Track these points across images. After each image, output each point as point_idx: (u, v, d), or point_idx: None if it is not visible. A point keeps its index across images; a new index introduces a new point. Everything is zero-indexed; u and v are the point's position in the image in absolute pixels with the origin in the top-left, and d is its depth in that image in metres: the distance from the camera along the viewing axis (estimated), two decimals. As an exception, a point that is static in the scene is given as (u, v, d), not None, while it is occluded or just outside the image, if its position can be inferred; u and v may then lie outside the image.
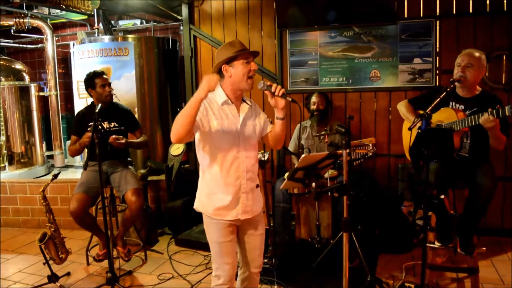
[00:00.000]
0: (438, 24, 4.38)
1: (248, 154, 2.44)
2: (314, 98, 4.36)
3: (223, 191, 2.41)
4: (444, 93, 2.94)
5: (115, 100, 4.05)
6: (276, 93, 2.31)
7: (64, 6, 4.62)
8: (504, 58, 4.23)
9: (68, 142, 6.33)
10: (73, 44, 6.23)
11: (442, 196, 2.89)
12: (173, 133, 2.20)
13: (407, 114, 3.47)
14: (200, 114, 2.25)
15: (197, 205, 2.53)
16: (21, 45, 7.13)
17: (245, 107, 2.45)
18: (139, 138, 4.00)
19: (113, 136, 3.66)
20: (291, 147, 4.45)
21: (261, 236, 2.60)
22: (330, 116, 4.47)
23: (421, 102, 3.37)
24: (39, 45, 6.99)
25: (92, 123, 3.34)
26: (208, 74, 2.17)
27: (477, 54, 3.13)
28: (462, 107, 3.18)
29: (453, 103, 3.23)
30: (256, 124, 2.49)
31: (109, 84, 3.85)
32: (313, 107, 4.33)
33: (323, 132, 4.00)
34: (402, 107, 3.54)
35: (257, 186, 2.53)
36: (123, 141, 3.69)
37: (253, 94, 4.74)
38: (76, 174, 5.76)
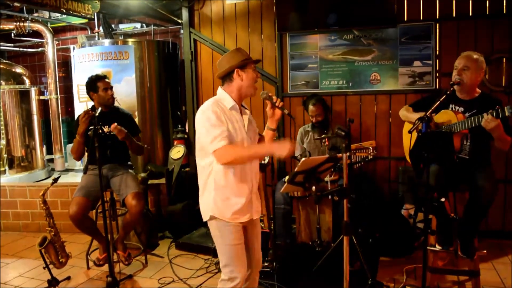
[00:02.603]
0: (438, 27, 4.39)
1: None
2: (312, 108, 4.24)
3: (238, 194, 2.47)
4: (444, 96, 2.94)
5: (115, 104, 4.04)
6: (277, 104, 2.49)
7: (64, 10, 4.62)
8: (504, 60, 4.23)
9: (69, 146, 6.35)
10: (74, 48, 6.24)
11: (443, 199, 2.89)
12: (228, 161, 2.36)
13: (408, 114, 3.45)
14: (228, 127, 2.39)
15: (213, 212, 2.47)
16: (21, 49, 7.13)
17: (246, 111, 2.56)
18: None
19: (116, 124, 3.64)
20: (297, 152, 4.42)
21: (260, 235, 2.70)
22: (330, 121, 4.43)
23: (421, 106, 3.36)
24: (40, 49, 7.00)
25: (92, 127, 3.34)
26: (286, 144, 2.28)
27: (474, 57, 3.12)
28: (461, 109, 3.18)
29: (453, 106, 3.22)
30: (255, 128, 2.62)
31: (111, 87, 3.85)
32: (312, 118, 4.28)
33: (323, 136, 4.00)
34: (403, 111, 3.53)
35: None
36: (124, 133, 3.66)
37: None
38: (76, 178, 5.75)
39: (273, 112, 2.54)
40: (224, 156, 2.33)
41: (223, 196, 2.45)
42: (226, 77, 2.51)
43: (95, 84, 3.78)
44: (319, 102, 4.26)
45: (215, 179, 2.45)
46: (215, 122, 2.35)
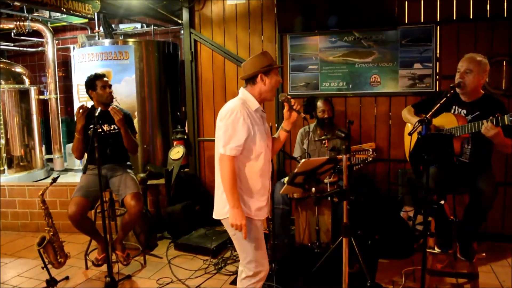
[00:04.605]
0: (438, 29, 4.39)
1: (270, 157, 2.66)
2: (321, 106, 4.29)
3: (260, 192, 2.55)
4: (444, 98, 2.93)
5: (115, 103, 4.04)
6: (294, 107, 2.58)
7: (64, 10, 4.62)
8: (504, 63, 4.23)
9: (68, 146, 6.36)
10: (74, 48, 6.24)
11: (442, 202, 2.89)
12: (221, 171, 2.47)
13: (409, 116, 3.45)
14: (247, 134, 2.44)
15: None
16: (21, 48, 7.14)
17: (263, 114, 2.64)
18: None
19: (113, 106, 3.69)
20: (296, 153, 4.44)
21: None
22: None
23: (424, 107, 3.35)
24: (40, 49, 7.00)
25: (92, 126, 3.34)
26: (241, 222, 2.42)
27: (477, 59, 3.09)
28: (464, 111, 3.17)
29: (456, 107, 3.22)
30: (269, 129, 2.70)
31: (110, 86, 3.85)
32: (321, 114, 4.29)
33: (323, 137, 4.01)
34: (405, 112, 3.53)
35: None
36: (121, 115, 3.67)
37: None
38: (75, 178, 5.75)
39: (290, 115, 2.63)
40: (224, 165, 2.43)
41: (248, 193, 2.52)
42: (250, 80, 2.56)
43: (94, 82, 3.79)
44: (327, 100, 4.40)
45: (240, 177, 2.51)
46: (240, 127, 2.42)
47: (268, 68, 2.51)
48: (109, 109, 3.65)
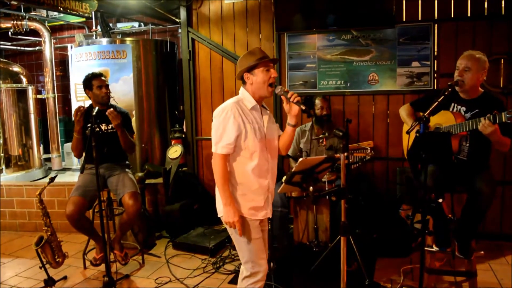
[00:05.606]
0: (436, 27, 4.38)
1: (273, 156, 2.60)
2: (319, 103, 4.31)
3: (256, 192, 2.52)
4: (442, 96, 2.92)
5: (113, 102, 4.03)
6: (291, 100, 2.45)
7: (62, 9, 4.61)
8: (502, 62, 4.23)
9: (66, 145, 6.35)
10: (71, 47, 6.22)
11: (440, 200, 2.89)
12: (213, 169, 2.48)
13: (406, 118, 3.45)
14: (237, 132, 2.43)
15: None
16: (18, 48, 7.11)
17: (266, 112, 2.61)
18: None
19: (112, 109, 3.67)
20: (290, 151, 4.44)
21: (267, 235, 2.78)
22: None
23: (423, 104, 3.34)
24: (37, 48, 6.98)
25: (89, 125, 3.33)
26: (234, 218, 2.43)
27: (477, 56, 3.08)
28: (463, 109, 3.16)
29: (455, 105, 3.21)
30: (274, 128, 2.65)
31: (107, 86, 3.84)
32: (319, 111, 4.29)
33: (321, 136, 4.01)
34: (402, 111, 3.52)
35: None
36: (119, 120, 3.66)
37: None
38: (73, 177, 5.74)
39: (290, 108, 2.52)
40: (215, 163, 2.45)
41: (240, 192, 2.50)
42: (242, 80, 2.56)
43: (90, 82, 3.78)
44: (324, 97, 4.41)
45: (233, 175, 2.50)
46: (230, 126, 2.41)
47: (251, 66, 2.46)
48: (107, 113, 3.62)
